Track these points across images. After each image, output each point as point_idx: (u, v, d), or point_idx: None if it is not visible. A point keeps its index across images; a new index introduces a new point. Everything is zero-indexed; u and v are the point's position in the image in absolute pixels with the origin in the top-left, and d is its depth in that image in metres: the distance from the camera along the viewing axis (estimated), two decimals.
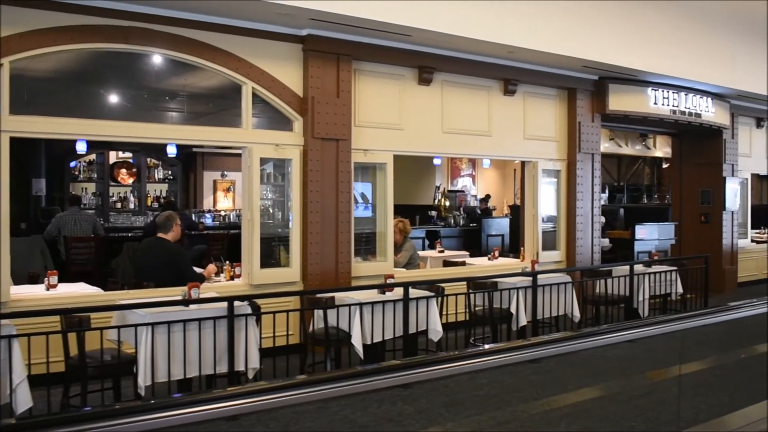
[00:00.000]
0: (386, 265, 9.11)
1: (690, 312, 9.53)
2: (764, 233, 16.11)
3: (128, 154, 13.83)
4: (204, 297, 6.23)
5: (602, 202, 21.04)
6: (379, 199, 9.29)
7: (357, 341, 6.74)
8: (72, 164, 13.73)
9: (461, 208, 15.41)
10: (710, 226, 13.40)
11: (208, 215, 13.50)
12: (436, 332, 7.29)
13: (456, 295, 7.78)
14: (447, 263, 10.38)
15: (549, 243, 10.98)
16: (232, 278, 8.25)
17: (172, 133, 7.82)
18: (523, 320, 7.99)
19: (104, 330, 5.83)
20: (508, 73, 10.20)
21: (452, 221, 14.46)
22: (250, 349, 6.23)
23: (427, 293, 7.36)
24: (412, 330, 7.17)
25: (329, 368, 6.89)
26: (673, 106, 11.76)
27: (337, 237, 8.59)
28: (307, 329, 7.05)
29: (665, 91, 11.64)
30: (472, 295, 8.16)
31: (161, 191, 14.20)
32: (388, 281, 7.18)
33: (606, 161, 21.36)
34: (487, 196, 16.23)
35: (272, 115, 8.47)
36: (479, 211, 15.31)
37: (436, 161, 14.88)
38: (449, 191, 16.74)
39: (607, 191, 21.33)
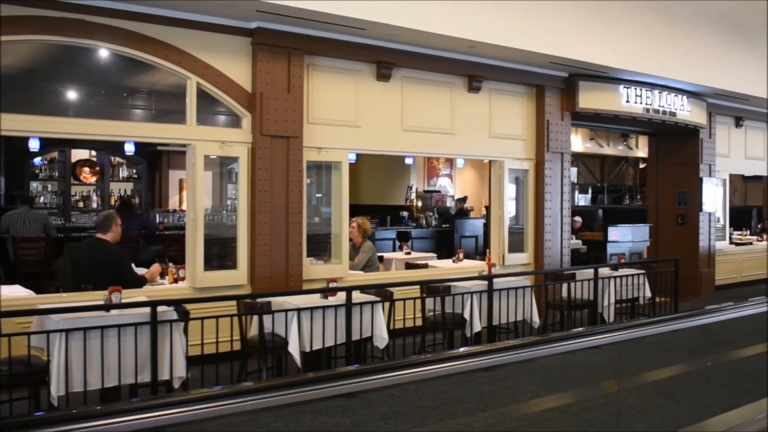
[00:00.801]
0: (341, 267, 8.78)
1: (654, 317, 9.21)
2: (746, 234, 15.82)
3: (93, 153, 13.47)
4: (126, 302, 5.87)
5: (583, 203, 20.82)
6: (334, 198, 8.96)
7: (294, 349, 6.40)
8: (37, 162, 13.38)
9: (435, 209, 15.06)
10: (687, 228, 13.08)
11: (173, 215, 13.14)
12: (381, 339, 6.95)
13: (405, 300, 7.44)
14: (409, 266, 10.05)
15: (517, 245, 10.65)
16: (176, 281, 7.91)
17: (111, 130, 7.44)
18: (477, 326, 7.65)
19: (13, 336, 5.47)
20: (473, 69, 9.87)
21: (424, 222, 14.12)
22: (176, 357, 5.89)
23: (372, 298, 7.02)
24: (356, 337, 6.83)
25: (265, 377, 6.54)
26: (647, 104, 11.43)
27: (287, 238, 8.25)
28: (246, 335, 6.71)
29: (638, 88, 11.32)
30: (426, 300, 7.81)
31: (125, 190, 13.84)
32: (331, 285, 6.82)
33: (589, 162, 21.11)
34: (464, 197, 15.88)
35: (219, 111, 8.14)
36: (452, 212, 14.95)
37: (408, 160, 14.56)
38: (425, 191, 16.40)
39: (589, 192, 21.10)
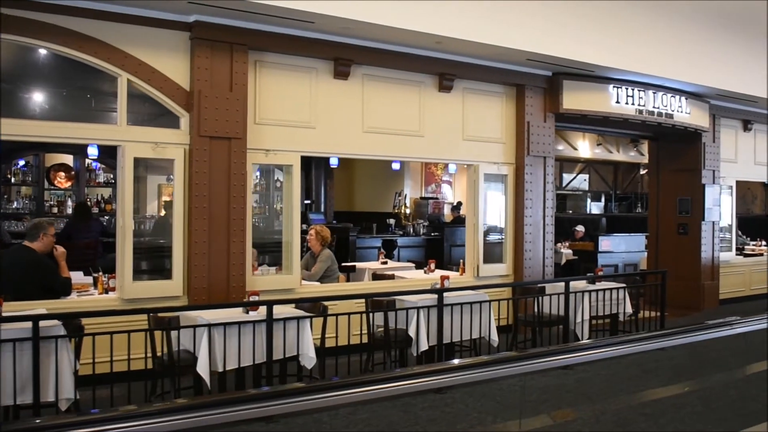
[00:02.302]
0: (292, 278, 8.19)
1: (631, 335, 8.45)
2: (761, 245, 14.87)
3: (68, 156, 13.07)
4: (6, 315, 5.34)
5: (596, 211, 19.98)
6: (285, 204, 8.38)
7: (203, 368, 5.81)
8: (20, 165, 13.02)
9: (427, 217, 14.38)
10: (688, 238, 12.24)
11: (148, 221, 12.63)
12: (308, 358, 6.33)
13: (349, 314, 6.79)
14: (377, 276, 9.41)
15: (496, 255, 9.95)
16: (106, 291, 7.39)
17: (31, 130, 6.96)
18: (425, 345, 6.98)
19: None
20: (443, 66, 9.22)
21: (412, 230, 13.45)
22: (63, 377, 5.34)
23: (300, 313, 6.41)
24: (278, 356, 6.22)
25: (176, 397, 5.96)
26: (640, 105, 10.67)
27: (228, 247, 7.68)
28: (157, 353, 6.14)
29: (630, 88, 10.56)
30: (373, 316, 7.17)
31: (101, 195, 13.40)
32: (252, 298, 6.22)
33: (601, 168, 20.28)
34: (459, 203, 15.18)
35: (155, 110, 7.62)
36: (444, 220, 14.26)
37: (395, 165, 13.91)
38: (422, 198, 15.73)
39: (602, 199, 20.26)
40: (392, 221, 13.82)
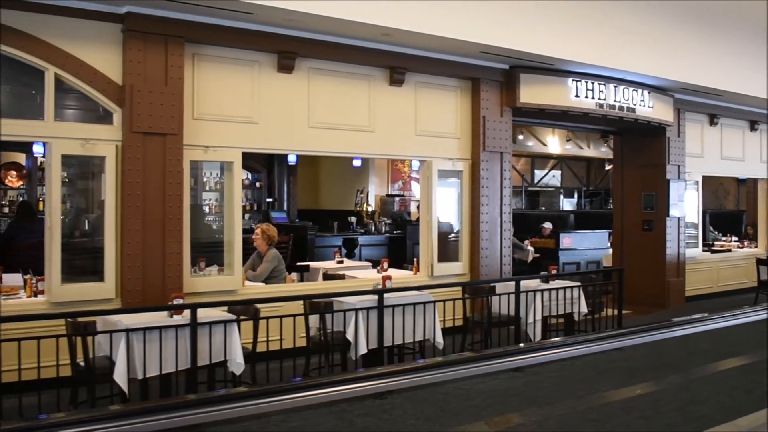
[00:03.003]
0: (234, 279, 7.91)
1: (583, 335, 8.25)
2: (730, 241, 14.70)
3: (21, 155, 12.72)
4: None
5: (569, 207, 19.80)
6: (226, 202, 8.08)
7: (120, 376, 5.53)
8: None
9: (391, 215, 14.11)
10: (653, 234, 12.02)
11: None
12: (237, 364, 6.05)
13: (269, 317, 6.51)
14: (327, 276, 9.13)
15: (451, 253, 9.70)
16: (34, 294, 7.08)
17: None
18: (364, 348, 6.71)
19: None
20: (393, 60, 8.95)
21: (373, 228, 13.18)
22: None
23: (228, 316, 6.12)
24: (204, 361, 5.93)
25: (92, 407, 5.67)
26: (600, 99, 10.44)
27: (164, 247, 7.37)
28: (76, 360, 5.84)
29: (590, 82, 10.32)
30: (309, 319, 6.90)
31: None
32: (176, 301, 5.93)
33: (574, 165, 20.10)
34: None
35: (85, 106, 7.31)
36: (408, 218, 13.98)
37: (356, 162, 13.64)
38: (388, 196, 15.46)
39: (575, 196, 20.08)
40: (353, 219, 13.53)
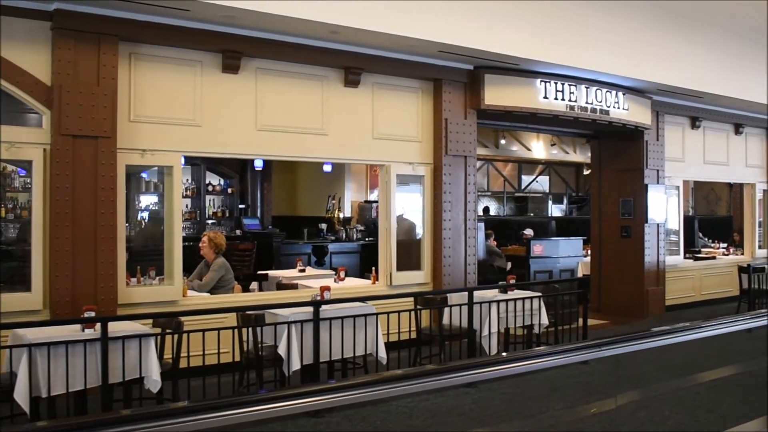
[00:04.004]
0: (174, 289, 7.54)
1: (535, 350, 7.80)
2: (718, 247, 14.26)
3: None
4: None
5: (558, 213, 19.37)
6: (166, 209, 7.72)
7: (21, 395, 5.16)
8: None
9: (365, 221, 13.72)
10: (632, 241, 11.60)
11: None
12: (153, 382, 5.67)
13: (191, 331, 6.14)
14: (280, 286, 8.76)
15: (413, 262, 9.31)
16: None
17: None
18: (297, 363, 6.32)
19: None
20: (348, 60, 8.58)
21: (344, 235, 12.79)
22: None
23: (142, 330, 5.75)
24: (117, 379, 5.56)
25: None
26: (571, 100, 10.03)
27: (96, 256, 7.01)
28: None
29: (559, 83, 9.93)
30: (245, 332, 6.52)
31: (17, 200, 12.74)
32: (87, 314, 5.57)
33: (562, 170, 19.68)
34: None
35: (12, 107, 6.96)
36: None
37: (326, 168, 13.26)
38: (366, 202, 15.07)
39: (565, 202, 19.68)
40: (324, 226, 13.13)
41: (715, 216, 17.71)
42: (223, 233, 12.83)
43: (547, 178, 19.47)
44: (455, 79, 9.40)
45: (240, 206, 14.09)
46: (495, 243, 12.92)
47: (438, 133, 9.32)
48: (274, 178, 15.02)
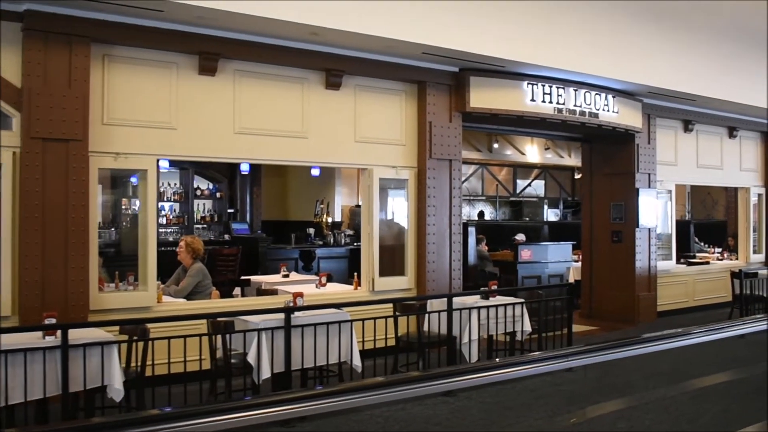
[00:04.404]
0: (148, 295, 7.40)
1: (515, 357, 7.68)
2: (713, 252, 14.08)
3: None
4: None
5: (553, 218, 19.19)
6: (140, 213, 7.60)
7: None
8: None
9: (354, 226, 13.59)
10: (623, 246, 11.43)
11: None
12: (116, 390, 5.53)
13: (155, 339, 5.98)
14: (260, 291, 8.61)
15: (397, 267, 9.16)
16: None
17: None
18: (267, 372, 6.17)
19: None
20: (329, 62, 8.44)
21: (332, 240, 12.65)
22: None
23: (105, 337, 5.61)
24: (78, 387, 5.42)
25: None
26: (558, 103, 9.88)
27: (66, 261, 6.87)
28: None
29: (547, 85, 9.78)
30: (215, 339, 6.38)
31: None
32: (48, 320, 5.43)
33: (558, 174, 19.51)
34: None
35: None
36: None
37: (314, 172, 13.12)
38: (357, 206, 14.93)
39: (560, 207, 19.51)
40: (312, 231, 12.99)
41: (711, 220, 17.53)
42: (210, 238, 12.78)
43: (543, 182, 19.30)
44: (440, 82, 9.26)
45: (229, 210, 13.96)
46: (486, 248, 12.79)
47: (422, 137, 9.18)
48: (264, 182, 14.90)
